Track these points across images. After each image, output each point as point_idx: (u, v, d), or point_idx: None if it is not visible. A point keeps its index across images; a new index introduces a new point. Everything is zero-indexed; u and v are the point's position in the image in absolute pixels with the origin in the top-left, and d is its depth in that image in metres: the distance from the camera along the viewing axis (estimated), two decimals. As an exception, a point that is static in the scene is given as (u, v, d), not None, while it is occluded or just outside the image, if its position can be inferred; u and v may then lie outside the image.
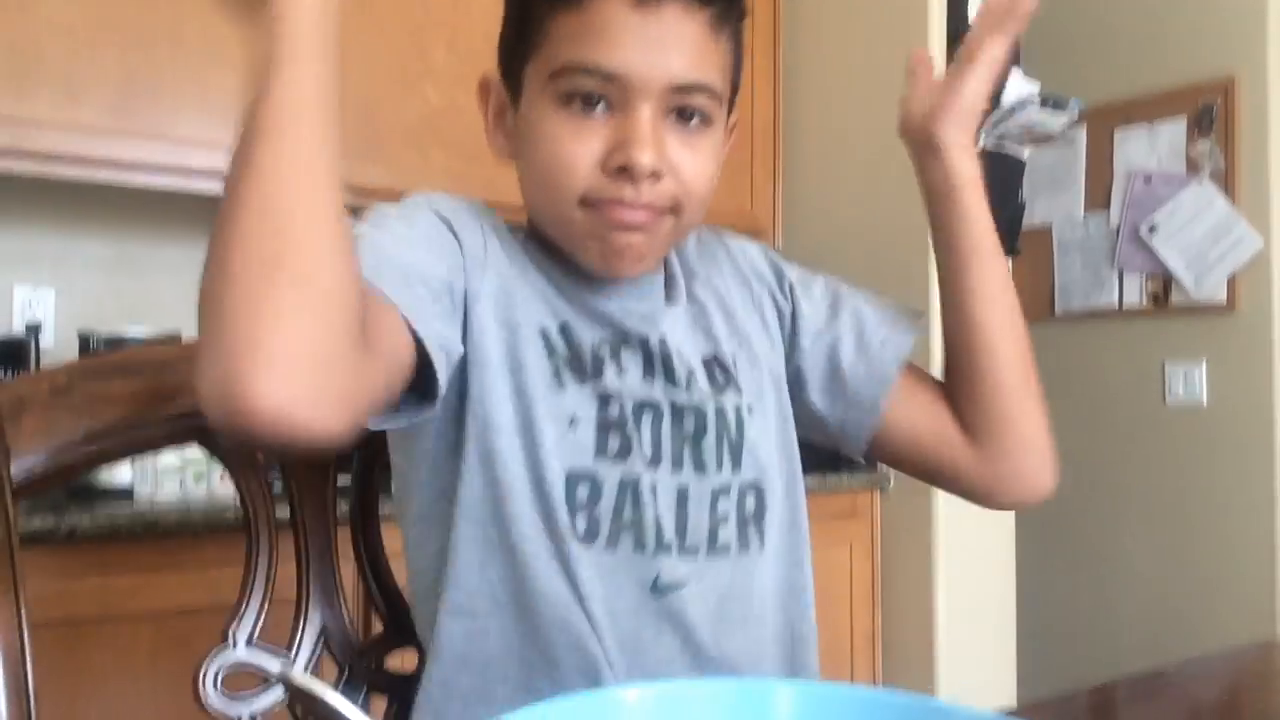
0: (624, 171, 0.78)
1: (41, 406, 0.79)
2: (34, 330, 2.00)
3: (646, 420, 0.84)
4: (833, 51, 2.67)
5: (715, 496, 0.85)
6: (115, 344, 1.87)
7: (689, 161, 0.80)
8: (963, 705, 0.52)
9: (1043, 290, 3.13)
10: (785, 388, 0.95)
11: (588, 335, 0.85)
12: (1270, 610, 2.69)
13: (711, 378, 0.89)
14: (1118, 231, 3.03)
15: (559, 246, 0.87)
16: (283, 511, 0.87)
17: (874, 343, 0.95)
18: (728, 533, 0.86)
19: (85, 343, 1.92)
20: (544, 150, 0.80)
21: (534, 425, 0.80)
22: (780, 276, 0.99)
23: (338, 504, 0.90)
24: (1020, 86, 2.44)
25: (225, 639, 0.83)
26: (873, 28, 2.57)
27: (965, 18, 2.45)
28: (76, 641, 1.55)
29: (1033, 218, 3.06)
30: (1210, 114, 2.87)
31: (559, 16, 0.79)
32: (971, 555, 2.47)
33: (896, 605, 2.49)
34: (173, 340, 1.91)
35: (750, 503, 0.88)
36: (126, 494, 1.75)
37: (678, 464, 0.84)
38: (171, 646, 1.62)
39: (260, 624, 0.84)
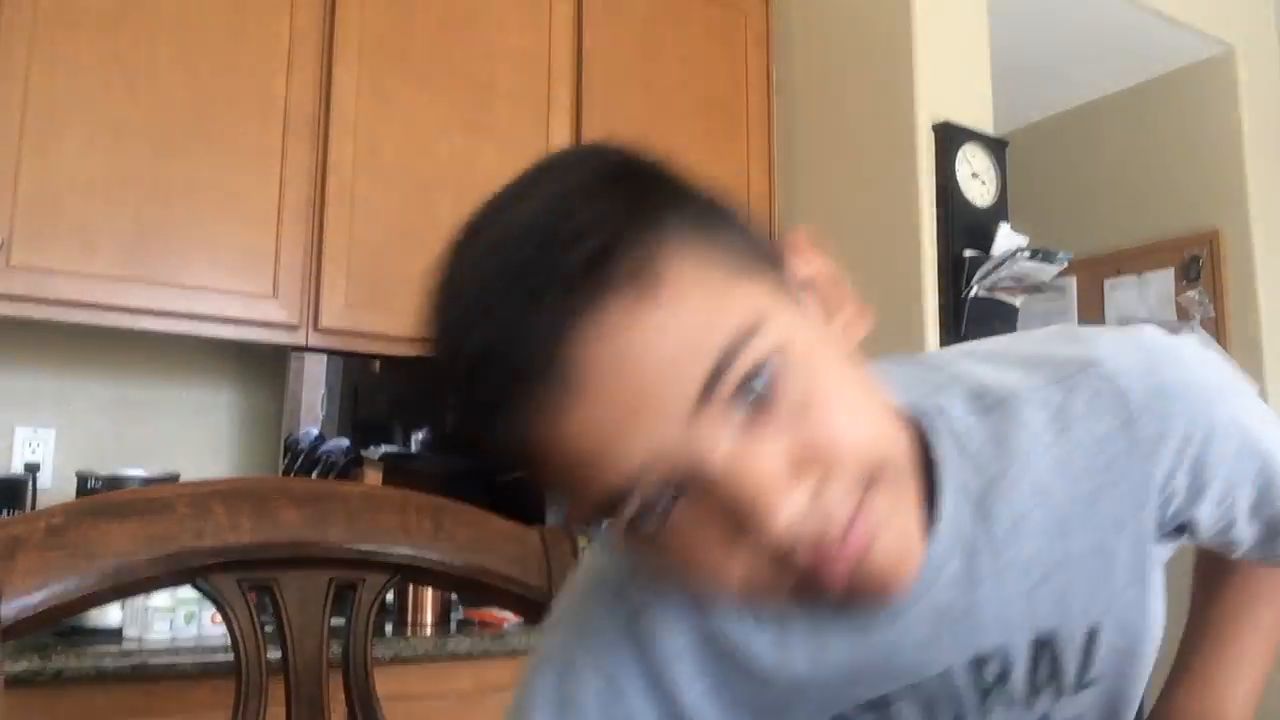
0: (772, 552, 0.51)
1: (36, 547, 0.79)
2: (32, 470, 2.00)
3: None
4: (820, 60, 2.75)
5: None
6: (114, 485, 1.88)
7: (813, 426, 0.51)
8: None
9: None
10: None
11: None
12: None
13: (1032, 677, 0.65)
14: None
15: None
16: (274, 653, 0.86)
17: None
18: None
19: (83, 483, 1.92)
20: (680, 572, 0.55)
21: None
22: (1198, 480, 0.65)
23: (330, 646, 0.90)
24: (1009, 239, 2.51)
25: (210, 786, 0.81)
26: (861, 39, 2.64)
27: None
28: (57, 790, 1.51)
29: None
30: (1197, 264, 2.94)
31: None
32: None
33: None
34: (171, 481, 1.92)
35: None
36: (115, 634, 1.73)
37: None
38: (154, 797, 1.57)
39: (247, 771, 0.82)
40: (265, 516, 0.87)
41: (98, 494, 1.78)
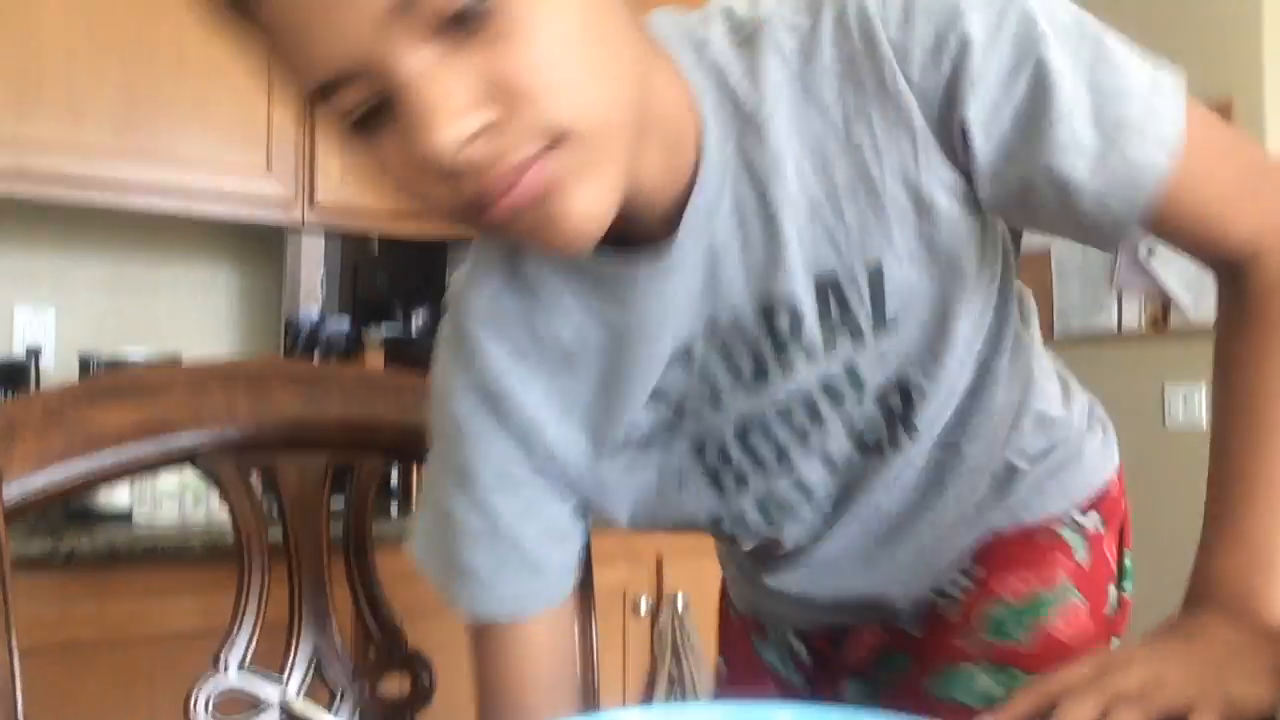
0: (434, 169, 0.51)
1: (35, 430, 0.79)
2: (34, 353, 2.00)
3: (756, 439, 0.72)
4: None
5: (857, 432, 0.73)
6: (115, 366, 1.88)
7: (508, 59, 0.50)
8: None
9: (1042, 313, 3.12)
10: (941, 199, 0.63)
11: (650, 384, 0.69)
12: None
13: (824, 322, 0.66)
14: (1116, 254, 3.03)
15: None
16: (276, 535, 0.87)
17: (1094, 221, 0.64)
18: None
19: (85, 365, 1.92)
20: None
21: (646, 513, 0.77)
22: (951, 104, 0.60)
23: (331, 527, 0.90)
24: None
25: (217, 663, 0.83)
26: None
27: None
28: (73, 666, 1.55)
29: (1031, 241, 3.06)
30: (1208, 137, 2.88)
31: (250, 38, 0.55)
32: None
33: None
34: (172, 362, 1.92)
35: (896, 400, 0.72)
36: (125, 517, 1.75)
37: (803, 444, 0.73)
38: (168, 671, 1.60)
39: (252, 648, 0.84)
40: (262, 398, 0.87)
41: (97, 376, 1.78)
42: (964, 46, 0.58)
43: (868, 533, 0.78)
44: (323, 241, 2.25)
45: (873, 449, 0.74)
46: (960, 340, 0.69)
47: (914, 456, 0.74)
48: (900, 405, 0.72)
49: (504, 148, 0.51)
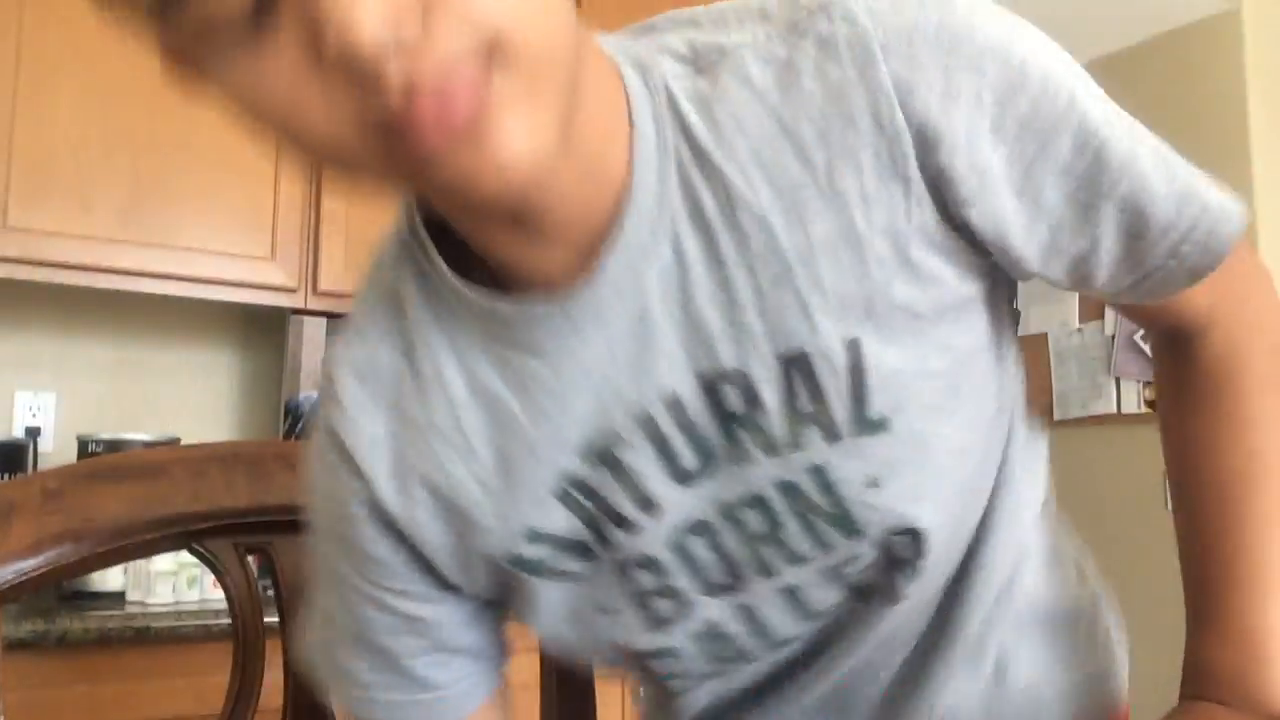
0: (355, 69, 0.39)
1: (32, 511, 0.79)
2: (33, 434, 2.01)
3: (697, 548, 0.57)
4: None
5: (839, 569, 0.59)
6: (115, 448, 1.88)
7: None
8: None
9: (1041, 399, 3.14)
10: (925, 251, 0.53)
11: (556, 477, 0.55)
12: None
13: (790, 399, 0.53)
14: (1112, 339, 3.05)
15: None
16: (272, 617, 0.86)
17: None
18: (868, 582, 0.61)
19: (84, 447, 1.92)
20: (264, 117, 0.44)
21: (566, 638, 0.63)
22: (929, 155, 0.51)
23: (327, 610, 0.90)
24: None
25: (209, 749, 0.81)
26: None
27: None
28: (60, 752, 1.52)
29: (1028, 327, 3.09)
30: (1200, 225, 2.92)
31: None
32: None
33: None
34: (171, 445, 1.91)
35: (902, 543, 0.58)
36: (118, 598, 1.74)
37: (763, 572, 0.58)
38: (157, 758, 1.58)
39: (245, 733, 0.83)
40: (260, 480, 0.87)
41: (95, 457, 1.78)
42: (978, 99, 0.50)
43: (845, 687, 0.66)
44: (324, 326, 2.27)
45: (862, 593, 0.61)
46: (978, 450, 0.59)
47: (919, 600, 0.62)
48: (909, 545, 0.57)
49: (438, 48, 0.40)
